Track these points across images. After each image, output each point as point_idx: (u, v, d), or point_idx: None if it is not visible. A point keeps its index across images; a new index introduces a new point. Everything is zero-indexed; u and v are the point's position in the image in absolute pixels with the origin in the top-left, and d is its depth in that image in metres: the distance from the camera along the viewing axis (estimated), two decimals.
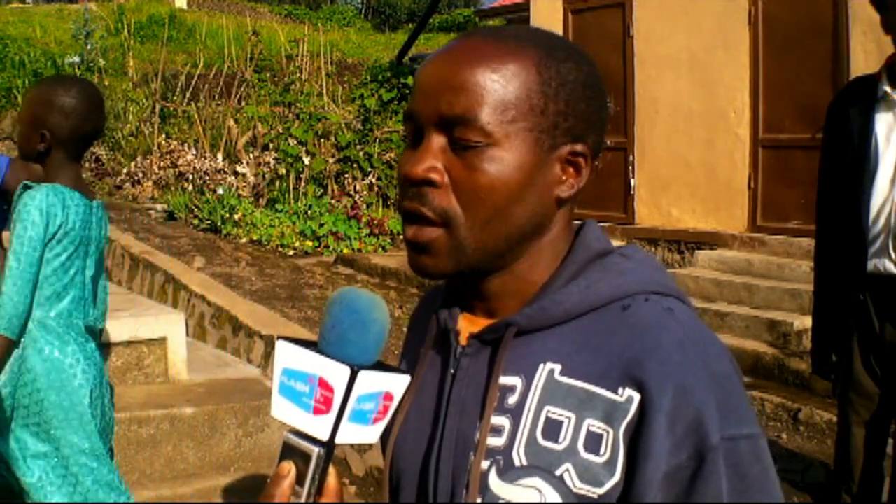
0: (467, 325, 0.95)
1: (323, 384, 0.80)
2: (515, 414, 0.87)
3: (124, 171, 10.98)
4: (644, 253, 0.95)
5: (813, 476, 3.85)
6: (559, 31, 8.33)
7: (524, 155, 0.88)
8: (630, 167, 7.77)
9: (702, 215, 7.27)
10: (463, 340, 0.94)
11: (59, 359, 2.38)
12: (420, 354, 0.98)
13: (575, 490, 0.83)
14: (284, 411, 0.82)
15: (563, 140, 0.90)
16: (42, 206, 2.34)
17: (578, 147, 0.91)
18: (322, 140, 10.15)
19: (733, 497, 0.80)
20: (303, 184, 9.84)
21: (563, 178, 0.91)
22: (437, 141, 0.88)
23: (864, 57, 6.16)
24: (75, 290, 2.45)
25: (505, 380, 0.89)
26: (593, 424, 0.84)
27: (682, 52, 7.31)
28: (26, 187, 2.40)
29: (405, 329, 1.12)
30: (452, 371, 0.93)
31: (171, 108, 12.23)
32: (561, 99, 0.89)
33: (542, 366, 0.88)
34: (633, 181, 7.76)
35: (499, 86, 0.87)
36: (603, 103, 0.95)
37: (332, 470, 0.84)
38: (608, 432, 0.83)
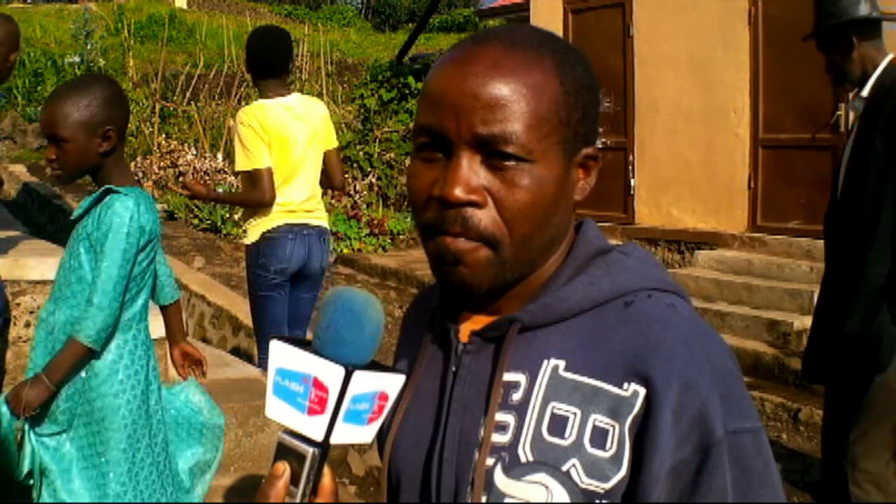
0: (467, 324, 0.95)
1: (317, 384, 0.79)
2: (520, 410, 0.87)
3: None
4: (642, 250, 0.96)
5: (813, 476, 3.85)
6: (559, 31, 8.32)
7: (557, 168, 0.87)
8: (630, 167, 7.77)
9: (702, 215, 7.27)
10: (463, 338, 0.94)
11: (115, 360, 2.37)
12: (418, 353, 0.98)
13: (581, 485, 0.83)
14: (279, 411, 0.82)
15: (580, 146, 0.90)
16: (136, 217, 2.30)
17: (590, 150, 0.92)
18: None
19: (737, 491, 0.81)
20: None
21: (577, 181, 0.92)
22: (472, 159, 0.85)
23: None
24: (146, 292, 2.46)
25: (509, 376, 0.89)
26: (599, 419, 0.84)
27: (682, 52, 7.31)
28: (109, 191, 2.34)
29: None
30: (454, 369, 0.93)
31: (171, 108, 12.23)
32: (580, 106, 0.89)
33: (546, 362, 0.88)
34: (633, 181, 7.76)
35: (532, 100, 0.85)
36: (600, 102, 0.95)
37: (327, 469, 0.83)
38: (614, 427, 0.83)
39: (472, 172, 0.85)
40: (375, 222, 9.12)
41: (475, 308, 0.95)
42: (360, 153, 10.05)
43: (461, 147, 0.85)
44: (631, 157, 7.77)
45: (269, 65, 3.77)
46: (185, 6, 25.12)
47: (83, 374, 2.34)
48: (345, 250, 8.70)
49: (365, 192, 9.78)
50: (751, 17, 6.85)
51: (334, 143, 4.03)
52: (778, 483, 0.85)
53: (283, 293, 3.93)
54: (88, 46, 14.35)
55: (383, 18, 34.36)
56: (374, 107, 10.31)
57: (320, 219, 3.94)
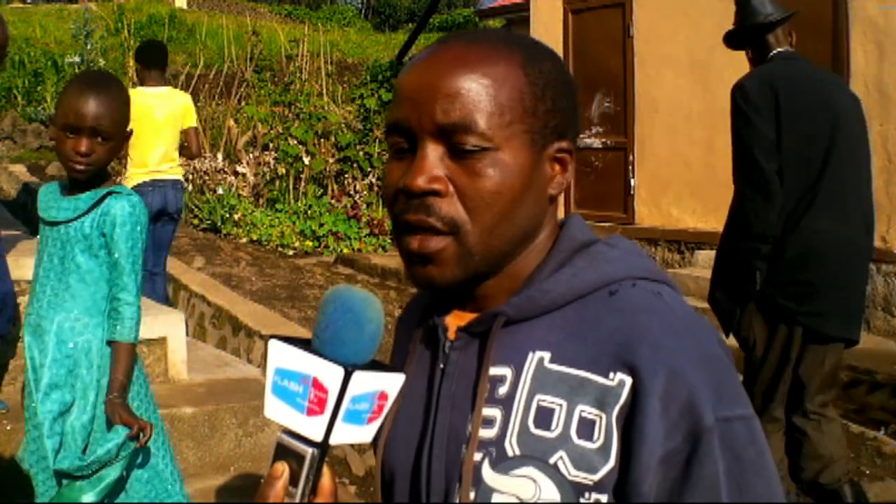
0: (455, 321, 0.95)
1: (317, 385, 0.79)
2: (506, 404, 0.87)
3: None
4: (629, 242, 0.95)
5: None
6: (559, 31, 8.32)
7: (523, 157, 0.88)
8: (630, 167, 7.77)
9: (702, 215, 7.26)
10: (451, 335, 0.94)
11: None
12: (408, 352, 0.98)
13: (570, 477, 0.83)
14: (278, 411, 0.81)
15: (552, 138, 0.91)
16: (142, 213, 2.35)
17: (564, 144, 0.92)
18: (322, 140, 10.15)
19: (730, 479, 0.80)
20: (303, 184, 9.84)
21: (552, 175, 0.92)
22: (435, 150, 0.87)
23: (864, 57, 6.15)
24: None
25: (495, 370, 0.89)
26: (585, 410, 0.83)
27: (682, 52, 7.31)
28: (112, 192, 2.33)
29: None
30: (442, 366, 0.93)
31: None
32: (548, 98, 0.90)
33: (531, 354, 0.88)
34: (633, 181, 7.75)
35: (492, 90, 0.86)
36: (577, 99, 0.96)
37: (326, 469, 0.83)
38: (601, 417, 0.83)
39: (435, 162, 0.87)
40: (375, 222, 9.11)
41: (462, 305, 0.95)
42: (360, 153, 10.05)
43: (424, 138, 0.87)
44: (631, 157, 7.77)
45: (147, 63, 5.56)
46: (185, 6, 25.10)
47: (92, 377, 2.34)
48: (345, 250, 8.69)
49: (365, 192, 9.78)
50: None
51: (192, 124, 5.69)
52: (773, 471, 0.83)
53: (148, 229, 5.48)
54: (88, 46, 14.33)
55: (383, 18, 34.34)
56: (374, 107, 10.30)
57: (174, 174, 5.55)
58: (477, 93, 0.86)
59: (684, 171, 7.37)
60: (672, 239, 7.35)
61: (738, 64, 6.96)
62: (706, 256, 6.83)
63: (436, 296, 0.98)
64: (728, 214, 3.19)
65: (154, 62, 5.60)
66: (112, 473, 2.29)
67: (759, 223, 2.99)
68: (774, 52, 3.23)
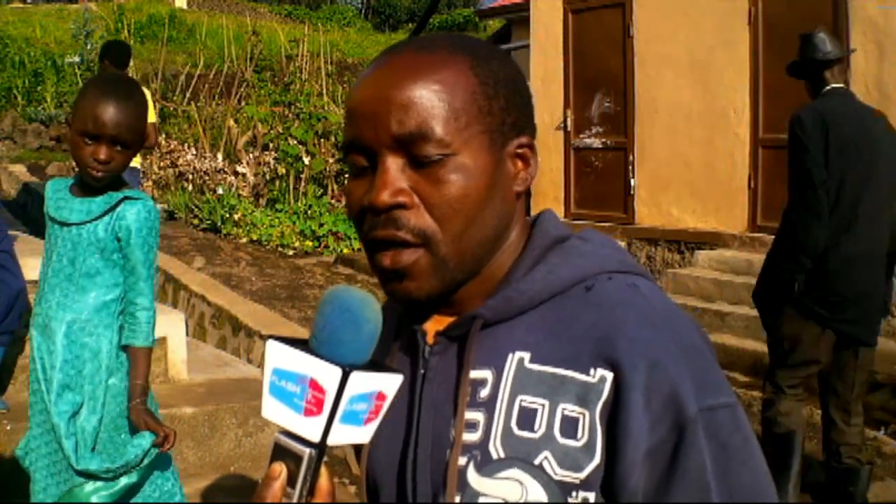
0: (434, 325, 0.94)
1: (314, 385, 0.78)
2: (489, 407, 0.87)
3: None
4: (602, 235, 0.95)
5: (813, 476, 3.84)
6: (559, 31, 8.32)
7: (484, 158, 0.87)
8: (630, 167, 7.77)
9: (702, 215, 7.26)
10: (430, 340, 0.93)
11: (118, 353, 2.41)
12: (387, 359, 0.97)
13: (556, 477, 0.82)
14: (275, 412, 0.81)
15: (511, 135, 0.90)
16: (155, 217, 2.36)
17: (524, 139, 0.92)
18: (322, 140, 10.15)
19: (716, 468, 0.80)
20: (303, 184, 9.84)
21: (516, 172, 0.91)
22: (395, 162, 0.86)
23: (864, 57, 6.15)
24: None
25: (475, 374, 0.88)
26: (568, 409, 0.83)
27: (682, 52, 7.31)
28: (127, 198, 2.33)
29: None
30: (422, 371, 0.93)
31: (171, 108, 12.23)
32: (501, 96, 0.89)
33: (511, 356, 0.87)
34: (633, 181, 7.75)
35: (445, 94, 0.86)
36: (530, 94, 0.95)
37: (324, 470, 0.83)
38: (584, 415, 0.82)
39: (396, 175, 0.86)
40: None
41: (439, 309, 0.94)
42: None
43: (383, 152, 0.86)
44: (631, 157, 7.77)
45: (117, 62, 6.00)
46: (185, 6, 25.11)
47: (101, 378, 2.35)
48: (345, 250, 8.69)
49: None
50: (751, 17, 6.85)
51: (152, 120, 5.93)
52: (760, 458, 0.83)
53: None
54: (88, 46, 14.34)
55: (383, 18, 34.36)
56: None
57: (132, 163, 5.74)
58: (430, 100, 0.85)
59: (684, 171, 7.37)
60: (672, 239, 7.35)
61: (738, 64, 6.98)
62: (706, 256, 6.83)
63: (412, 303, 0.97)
64: (779, 228, 3.59)
65: (123, 61, 6.17)
66: (130, 477, 2.30)
67: (809, 240, 3.35)
68: (829, 87, 3.55)
